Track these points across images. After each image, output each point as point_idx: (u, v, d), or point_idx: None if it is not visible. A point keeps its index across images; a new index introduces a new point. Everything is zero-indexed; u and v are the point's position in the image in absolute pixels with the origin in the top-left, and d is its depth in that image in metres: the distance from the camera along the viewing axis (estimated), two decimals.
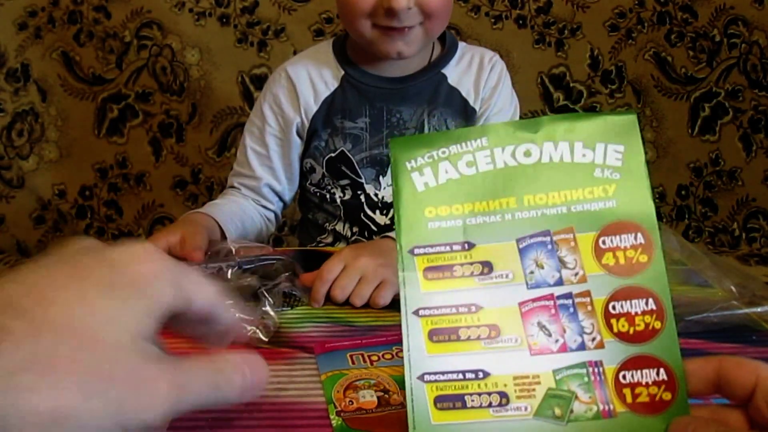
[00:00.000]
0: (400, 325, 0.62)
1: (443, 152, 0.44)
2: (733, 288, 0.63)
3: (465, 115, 0.91)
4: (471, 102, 0.91)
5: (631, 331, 0.41)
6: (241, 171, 0.94)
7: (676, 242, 0.70)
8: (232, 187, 0.95)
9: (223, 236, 0.80)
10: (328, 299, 0.67)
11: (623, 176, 0.44)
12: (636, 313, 0.41)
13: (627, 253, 0.42)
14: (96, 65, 1.60)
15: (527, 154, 0.44)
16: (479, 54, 0.94)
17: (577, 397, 0.40)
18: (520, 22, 1.61)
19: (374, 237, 0.92)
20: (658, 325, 0.41)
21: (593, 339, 0.41)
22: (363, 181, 0.91)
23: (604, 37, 1.62)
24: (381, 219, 0.92)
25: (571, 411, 0.40)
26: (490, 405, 0.40)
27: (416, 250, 0.43)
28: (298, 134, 0.92)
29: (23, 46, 1.59)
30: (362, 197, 0.91)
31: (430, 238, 0.43)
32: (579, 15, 1.61)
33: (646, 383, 0.40)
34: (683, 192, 1.67)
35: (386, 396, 0.49)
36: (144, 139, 1.63)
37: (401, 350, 0.56)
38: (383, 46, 0.82)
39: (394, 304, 0.67)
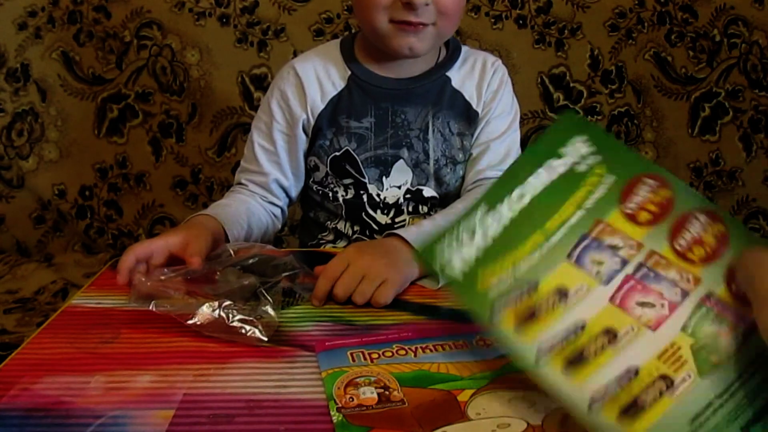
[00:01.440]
0: (399, 324, 0.62)
1: (459, 239, 0.48)
2: None
3: (467, 118, 0.92)
4: (474, 105, 0.92)
5: (708, 250, 0.43)
6: (249, 167, 0.94)
7: None
8: (240, 183, 0.95)
9: (228, 239, 0.80)
10: (330, 298, 0.67)
11: (602, 152, 0.47)
12: (699, 235, 0.44)
13: (653, 200, 0.45)
14: (96, 65, 1.60)
15: (520, 197, 0.47)
16: (482, 58, 0.95)
17: (719, 335, 0.41)
18: (520, 22, 1.61)
19: (375, 236, 0.92)
20: (720, 227, 0.44)
21: (688, 281, 0.42)
22: (366, 180, 0.91)
23: (604, 37, 1.62)
24: (382, 218, 0.92)
25: (724, 348, 0.40)
26: (661, 394, 0.40)
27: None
28: (304, 131, 0.92)
29: (23, 46, 1.59)
30: (364, 197, 0.91)
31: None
32: (579, 15, 1.61)
33: None
34: None
35: (386, 393, 0.49)
36: (144, 139, 1.63)
37: (401, 347, 0.56)
38: (396, 40, 0.83)
39: (395, 304, 0.67)
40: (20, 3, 1.57)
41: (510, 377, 0.51)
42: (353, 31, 1.55)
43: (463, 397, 0.48)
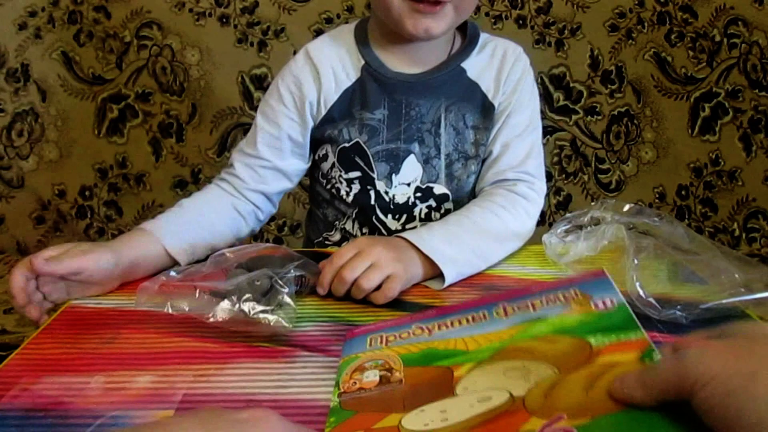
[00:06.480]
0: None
1: None
2: (737, 276, 0.63)
3: (483, 110, 0.88)
4: (490, 97, 0.88)
5: None
6: (248, 151, 0.88)
7: (684, 233, 0.70)
8: (231, 166, 0.88)
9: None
10: (330, 294, 0.67)
11: None
12: None
13: None
14: (96, 65, 1.60)
15: None
16: (502, 46, 0.90)
17: None
18: (520, 22, 1.61)
19: None
20: None
21: None
22: (375, 176, 0.87)
23: (604, 37, 1.62)
24: (393, 224, 0.90)
25: None
26: None
27: None
28: (312, 118, 0.88)
29: (23, 46, 1.59)
30: (372, 194, 0.88)
31: None
32: (579, 15, 1.61)
33: None
34: (683, 192, 1.67)
35: (388, 374, 0.49)
36: (144, 139, 1.63)
37: (419, 326, 0.55)
38: (411, 22, 0.77)
39: (396, 304, 0.67)
40: (20, 3, 1.57)
41: (516, 347, 0.49)
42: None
43: (461, 372, 0.48)
